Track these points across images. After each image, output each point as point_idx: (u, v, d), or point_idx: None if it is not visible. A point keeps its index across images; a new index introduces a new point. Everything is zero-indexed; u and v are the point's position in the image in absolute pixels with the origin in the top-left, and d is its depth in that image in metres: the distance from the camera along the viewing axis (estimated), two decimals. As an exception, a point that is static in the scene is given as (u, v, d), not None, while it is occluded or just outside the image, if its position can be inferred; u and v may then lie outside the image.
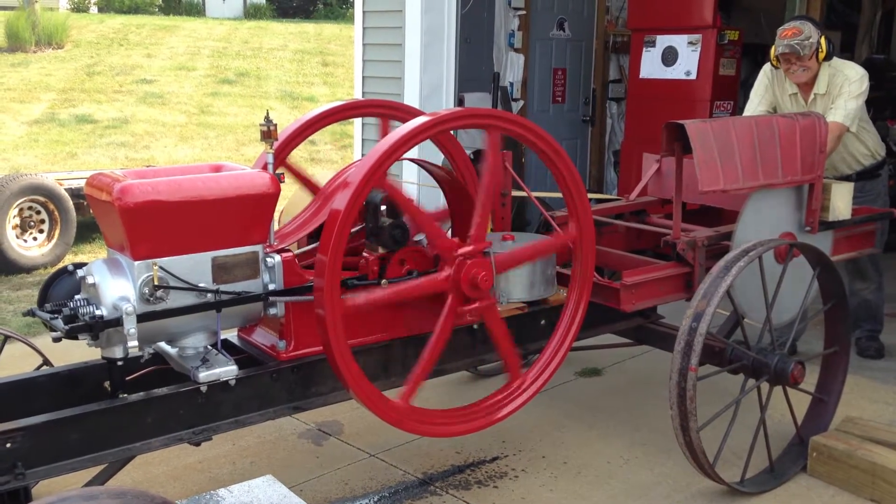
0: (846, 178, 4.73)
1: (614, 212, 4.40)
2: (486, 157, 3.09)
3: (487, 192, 3.10)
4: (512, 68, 7.77)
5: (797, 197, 3.94)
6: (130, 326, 2.61)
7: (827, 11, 8.14)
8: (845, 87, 4.53)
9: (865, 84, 4.56)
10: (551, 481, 3.73)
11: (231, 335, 3.25)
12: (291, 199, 5.15)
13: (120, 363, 2.75)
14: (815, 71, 4.57)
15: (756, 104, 4.85)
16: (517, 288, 3.49)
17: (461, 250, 3.04)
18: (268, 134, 2.98)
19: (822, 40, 4.49)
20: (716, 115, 6.83)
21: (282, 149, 3.47)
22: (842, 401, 3.93)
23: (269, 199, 2.88)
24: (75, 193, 7.28)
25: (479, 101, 7.19)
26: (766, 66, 4.83)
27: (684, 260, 3.67)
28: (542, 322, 3.62)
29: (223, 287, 2.81)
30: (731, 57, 7.00)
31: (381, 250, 3.16)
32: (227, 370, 2.82)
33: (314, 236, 3.30)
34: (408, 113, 3.73)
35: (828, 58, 4.53)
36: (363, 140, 7.40)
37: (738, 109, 7.22)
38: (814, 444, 3.73)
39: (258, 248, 2.91)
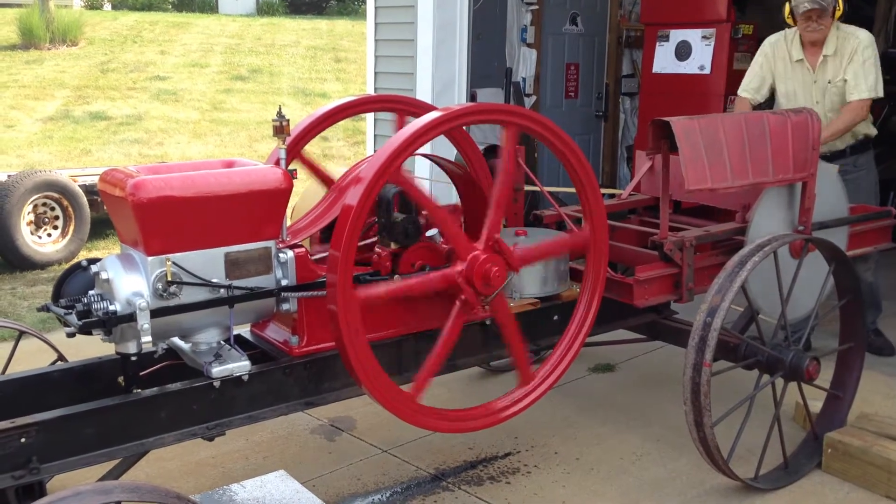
0: (839, 153, 4.79)
1: (612, 210, 4.37)
2: (501, 154, 3.08)
3: (503, 191, 3.08)
4: (524, 63, 7.74)
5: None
6: (144, 322, 2.62)
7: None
8: (859, 53, 4.62)
9: (875, 47, 4.68)
10: (564, 477, 3.73)
11: (244, 331, 3.26)
12: (303, 195, 5.16)
13: (133, 358, 2.75)
14: (828, 30, 4.66)
15: (749, 80, 4.98)
16: (530, 283, 3.49)
17: (475, 251, 3.02)
18: (280, 129, 2.98)
19: None
20: (730, 110, 6.80)
21: (294, 144, 3.47)
22: (856, 397, 3.90)
23: (281, 195, 2.88)
24: (89, 190, 7.32)
25: (491, 96, 7.18)
26: (770, 39, 4.93)
27: (672, 260, 3.64)
28: (555, 317, 3.60)
29: (236, 283, 2.82)
30: (746, 51, 6.95)
31: (393, 246, 3.16)
32: (239, 365, 2.82)
33: (327, 232, 3.29)
34: (420, 108, 3.72)
35: (841, 17, 4.64)
36: (375, 136, 7.40)
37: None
38: (829, 441, 3.70)
39: (271, 243, 2.91)
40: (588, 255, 3.34)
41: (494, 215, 3.07)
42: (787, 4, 4.69)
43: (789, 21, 4.76)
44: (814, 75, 4.75)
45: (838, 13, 4.61)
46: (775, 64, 4.87)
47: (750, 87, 4.97)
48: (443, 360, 3.06)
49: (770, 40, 4.94)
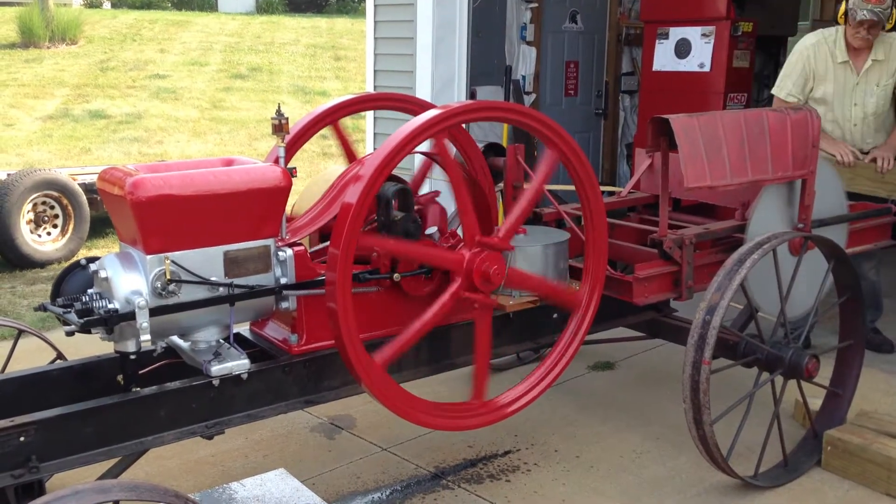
0: (865, 153, 4.80)
1: (611, 207, 4.37)
2: (539, 163, 3.11)
3: (535, 196, 3.12)
4: (524, 61, 7.74)
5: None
6: (143, 320, 2.62)
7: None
8: None
9: None
10: (564, 475, 3.73)
11: (243, 329, 3.26)
12: (303, 195, 5.16)
13: (133, 357, 2.75)
14: (875, 38, 4.71)
15: (792, 83, 4.88)
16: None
17: (485, 239, 3.02)
18: (279, 128, 2.98)
19: (894, 9, 4.66)
20: (729, 108, 6.79)
21: (294, 142, 3.46)
22: (856, 394, 3.90)
23: (280, 193, 2.88)
24: (89, 188, 7.31)
25: (491, 94, 7.18)
26: (809, 40, 4.88)
27: (671, 258, 3.63)
28: (555, 316, 3.60)
29: (235, 281, 2.81)
30: (745, 49, 6.95)
31: (393, 244, 3.15)
32: (239, 364, 2.82)
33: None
34: (420, 106, 3.72)
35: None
36: (375, 134, 7.40)
37: (751, 102, 7.17)
38: (828, 438, 3.70)
39: (270, 241, 2.90)
40: (587, 252, 3.34)
41: (515, 219, 3.12)
42: (844, 5, 4.69)
43: (840, 21, 4.75)
44: (857, 78, 4.76)
45: (889, 25, 4.65)
46: (816, 65, 4.83)
47: (795, 91, 4.88)
48: (417, 336, 3.00)
49: (809, 41, 4.87)
